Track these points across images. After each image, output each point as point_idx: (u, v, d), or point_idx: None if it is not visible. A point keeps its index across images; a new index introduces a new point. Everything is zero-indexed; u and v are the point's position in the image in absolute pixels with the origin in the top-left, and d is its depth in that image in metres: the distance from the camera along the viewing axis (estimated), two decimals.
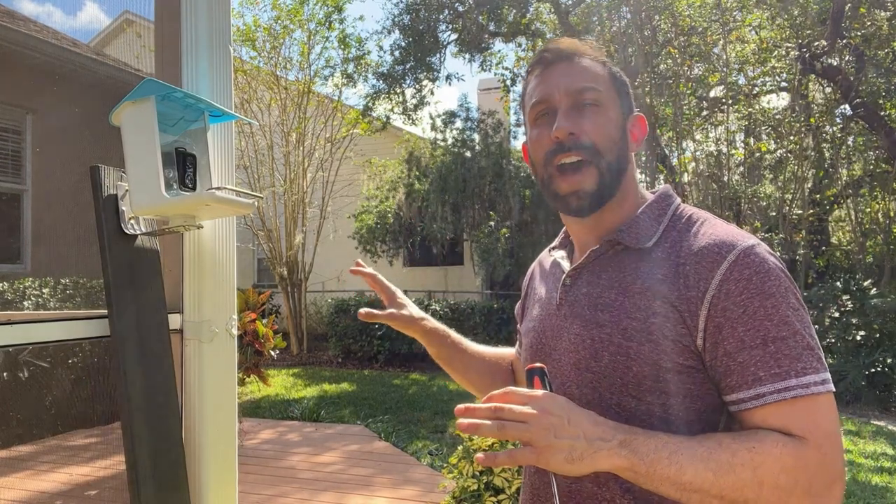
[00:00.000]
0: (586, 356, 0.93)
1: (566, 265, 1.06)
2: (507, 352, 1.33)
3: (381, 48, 16.54)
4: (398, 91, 11.27)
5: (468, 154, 10.99)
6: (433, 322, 1.24)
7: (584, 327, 0.95)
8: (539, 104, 1.00)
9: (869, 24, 8.71)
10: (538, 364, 0.89)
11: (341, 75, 10.98)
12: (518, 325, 1.26)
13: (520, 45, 11.63)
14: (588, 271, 0.99)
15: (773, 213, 8.91)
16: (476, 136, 11.32)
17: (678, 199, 1.01)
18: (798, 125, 8.82)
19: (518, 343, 1.28)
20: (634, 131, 1.02)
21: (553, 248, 1.15)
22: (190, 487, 1.12)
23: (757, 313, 0.82)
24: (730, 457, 0.77)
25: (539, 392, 0.82)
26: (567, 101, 0.96)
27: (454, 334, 1.27)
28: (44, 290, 5.60)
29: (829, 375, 0.82)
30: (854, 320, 7.16)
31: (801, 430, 0.79)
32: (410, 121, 11.58)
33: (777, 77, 9.79)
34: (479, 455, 0.82)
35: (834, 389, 0.82)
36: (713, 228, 0.91)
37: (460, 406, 0.82)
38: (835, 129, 9.69)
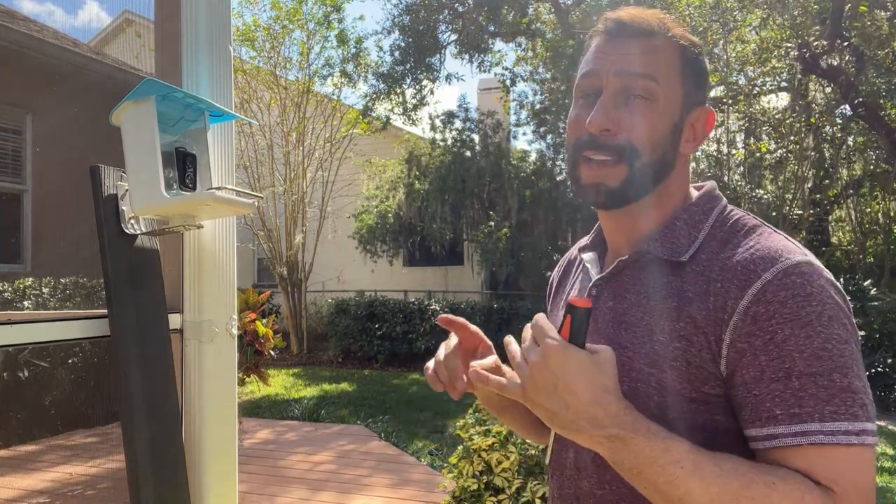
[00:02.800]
0: None
1: (594, 272, 0.95)
2: None
3: (380, 48, 16.56)
4: (398, 91, 11.26)
5: (468, 154, 10.99)
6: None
7: None
8: (585, 79, 0.88)
9: (869, 23, 8.71)
10: (580, 303, 0.73)
11: (340, 75, 11.00)
12: None
13: (519, 45, 11.62)
14: (615, 283, 0.89)
15: (774, 213, 8.91)
16: (476, 137, 11.33)
17: (724, 200, 0.88)
18: (798, 125, 8.82)
19: None
20: (696, 127, 0.88)
21: (583, 248, 1.02)
22: (190, 487, 1.12)
23: (786, 342, 0.71)
24: (741, 487, 0.68)
25: (553, 339, 0.72)
26: (614, 86, 0.84)
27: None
28: (44, 290, 5.60)
29: (871, 426, 0.69)
30: (854, 320, 7.17)
31: (827, 480, 0.68)
32: (410, 121, 11.58)
33: (777, 77, 9.78)
34: (472, 370, 0.79)
35: (876, 442, 0.69)
36: (758, 240, 0.79)
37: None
38: (835, 129, 9.69)
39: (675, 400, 0.77)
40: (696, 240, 0.83)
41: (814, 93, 10.14)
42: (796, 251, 0.76)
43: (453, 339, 0.94)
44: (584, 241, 1.04)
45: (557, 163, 11.01)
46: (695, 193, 0.91)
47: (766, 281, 0.73)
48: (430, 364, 0.93)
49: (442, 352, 0.93)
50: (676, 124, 0.86)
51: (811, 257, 0.76)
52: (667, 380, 0.78)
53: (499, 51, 11.87)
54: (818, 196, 9.69)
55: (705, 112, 0.89)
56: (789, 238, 0.80)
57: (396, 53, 11.14)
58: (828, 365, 0.70)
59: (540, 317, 0.75)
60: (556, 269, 1.14)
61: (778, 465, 0.71)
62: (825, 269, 0.76)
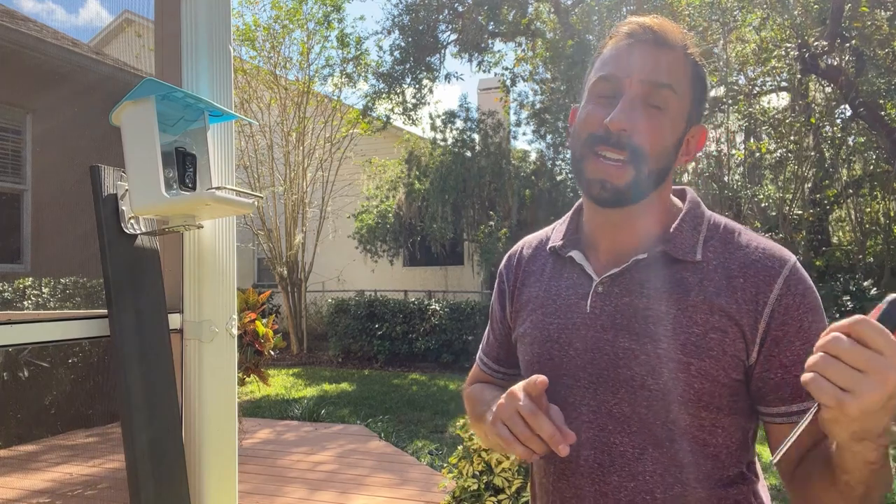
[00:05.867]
0: (641, 372, 0.88)
1: (590, 269, 0.97)
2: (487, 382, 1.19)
3: (380, 48, 16.53)
4: (398, 91, 11.26)
5: (468, 154, 11.00)
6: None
7: (636, 341, 0.89)
8: (605, 81, 0.91)
9: (869, 23, 8.71)
10: None
11: (341, 75, 10.99)
12: (492, 327, 1.16)
13: (519, 45, 11.61)
14: (627, 279, 0.93)
15: (773, 213, 8.91)
16: (476, 137, 11.32)
17: (703, 205, 0.98)
18: (798, 125, 8.81)
19: (482, 361, 1.18)
20: (691, 143, 0.95)
21: (561, 247, 1.02)
22: (190, 487, 1.12)
23: (811, 328, 0.85)
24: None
25: None
26: (636, 91, 0.88)
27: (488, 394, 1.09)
28: (44, 290, 5.60)
29: None
30: None
31: None
32: (410, 121, 11.58)
33: (777, 77, 9.78)
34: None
35: None
36: (755, 240, 0.91)
37: None
38: (835, 129, 9.68)
39: (711, 385, 0.86)
40: (699, 241, 0.92)
41: (814, 93, 10.13)
42: (787, 251, 0.90)
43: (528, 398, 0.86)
44: (555, 238, 1.04)
45: (557, 163, 11.00)
46: (676, 199, 0.99)
47: (786, 277, 0.86)
48: (505, 433, 0.83)
49: (521, 419, 0.83)
50: (679, 138, 0.93)
51: None
52: (704, 367, 0.86)
53: (498, 51, 11.86)
54: (818, 196, 9.68)
55: (700, 130, 0.96)
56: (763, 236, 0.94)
57: (396, 53, 11.14)
58: None
59: (861, 317, 0.63)
60: (512, 263, 1.12)
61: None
62: None
